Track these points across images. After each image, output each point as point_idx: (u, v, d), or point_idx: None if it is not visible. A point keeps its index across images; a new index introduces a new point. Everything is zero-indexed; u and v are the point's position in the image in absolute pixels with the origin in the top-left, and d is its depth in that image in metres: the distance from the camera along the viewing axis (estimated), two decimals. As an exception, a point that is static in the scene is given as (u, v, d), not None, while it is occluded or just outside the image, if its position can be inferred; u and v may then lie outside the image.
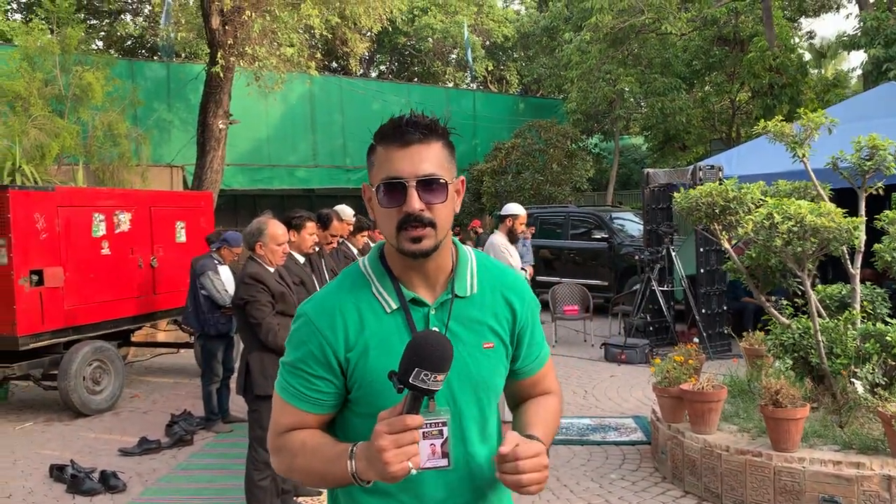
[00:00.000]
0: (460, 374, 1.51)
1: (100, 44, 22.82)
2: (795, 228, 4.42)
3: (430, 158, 1.47)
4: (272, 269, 4.37)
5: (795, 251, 4.53)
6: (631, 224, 13.43)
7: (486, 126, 19.98)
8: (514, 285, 1.64)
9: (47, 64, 11.25)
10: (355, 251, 6.72)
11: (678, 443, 5.02)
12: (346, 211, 6.40)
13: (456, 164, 1.55)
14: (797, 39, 19.25)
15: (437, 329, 1.47)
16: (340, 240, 6.49)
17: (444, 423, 1.42)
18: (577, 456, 5.67)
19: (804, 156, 5.01)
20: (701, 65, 17.76)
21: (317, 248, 5.18)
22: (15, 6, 22.31)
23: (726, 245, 5.22)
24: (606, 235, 13.08)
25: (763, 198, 5.01)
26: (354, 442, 1.43)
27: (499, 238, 6.33)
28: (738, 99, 18.10)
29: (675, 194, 5.38)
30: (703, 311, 9.18)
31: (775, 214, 4.49)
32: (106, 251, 7.81)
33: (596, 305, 12.48)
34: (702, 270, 9.18)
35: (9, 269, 6.78)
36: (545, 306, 11.88)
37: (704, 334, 9.01)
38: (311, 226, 4.82)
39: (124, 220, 8.05)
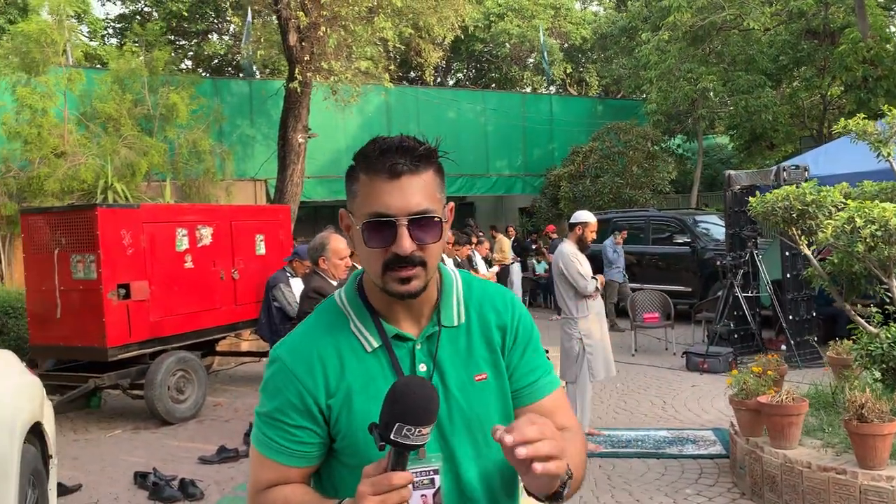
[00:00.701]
0: (451, 413, 1.38)
1: (188, 63, 23.83)
2: (879, 233, 4.17)
3: (421, 191, 1.31)
4: (335, 283, 4.43)
5: (881, 256, 4.27)
6: (716, 227, 13.00)
7: (563, 130, 19.77)
8: (502, 303, 1.49)
9: (136, 85, 11.79)
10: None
11: (757, 458, 4.80)
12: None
13: (445, 187, 1.40)
14: (893, 28, 18.21)
15: (420, 376, 1.34)
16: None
17: (434, 472, 1.31)
18: (652, 470, 5.50)
19: (889, 155, 4.72)
20: (788, 60, 17.04)
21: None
22: (111, 31, 23.55)
23: (806, 250, 4.98)
24: (689, 240, 12.72)
25: (844, 201, 4.75)
26: (342, 498, 1.29)
27: (568, 246, 6.22)
28: (829, 94, 17.26)
29: (751, 198, 5.17)
30: (791, 317, 8.79)
31: (857, 218, 4.25)
32: (189, 265, 8.10)
33: (680, 312, 12.15)
34: (788, 275, 8.79)
35: (98, 283, 7.12)
36: (624, 314, 11.65)
37: (792, 342, 8.62)
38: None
39: (206, 235, 8.33)
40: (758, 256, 9.37)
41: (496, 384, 1.45)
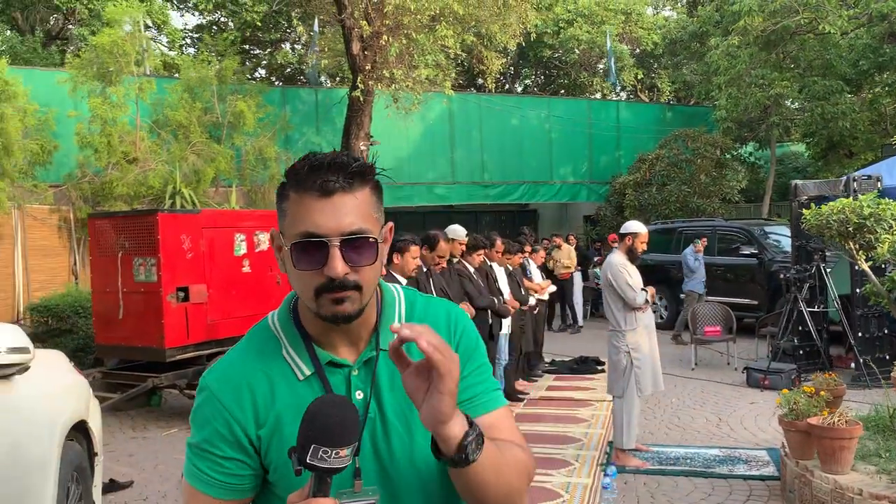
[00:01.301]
0: (390, 442, 1.30)
1: (262, 72, 24.48)
2: (938, 249, 3.94)
3: (356, 210, 1.24)
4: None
5: (941, 274, 4.03)
6: (786, 239, 12.51)
7: (630, 137, 19.44)
8: (446, 319, 1.40)
9: (206, 94, 12.17)
10: (471, 269, 6.73)
11: (806, 482, 4.59)
12: (458, 231, 6.43)
13: (383, 205, 1.33)
14: None
15: (337, 395, 1.26)
16: (455, 259, 6.53)
17: None
18: (699, 489, 5.33)
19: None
20: (869, 64, 16.30)
21: (424, 269, 5.23)
22: (189, 41, 24.42)
23: (864, 266, 4.75)
24: (756, 251, 12.31)
25: (905, 214, 4.51)
26: None
27: (617, 257, 6.10)
28: (913, 100, 16.47)
29: (805, 211, 4.96)
30: (860, 334, 8.39)
31: (915, 233, 4.03)
32: (246, 269, 8.30)
33: (746, 326, 11.78)
34: (857, 290, 8.40)
35: (158, 286, 7.37)
36: (684, 326, 11.35)
37: (861, 360, 8.22)
38: (414, 249, 4.88)
39: (263, 240, 8.51)
40: (825, 270, 8.99)
41: None
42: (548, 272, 13.11)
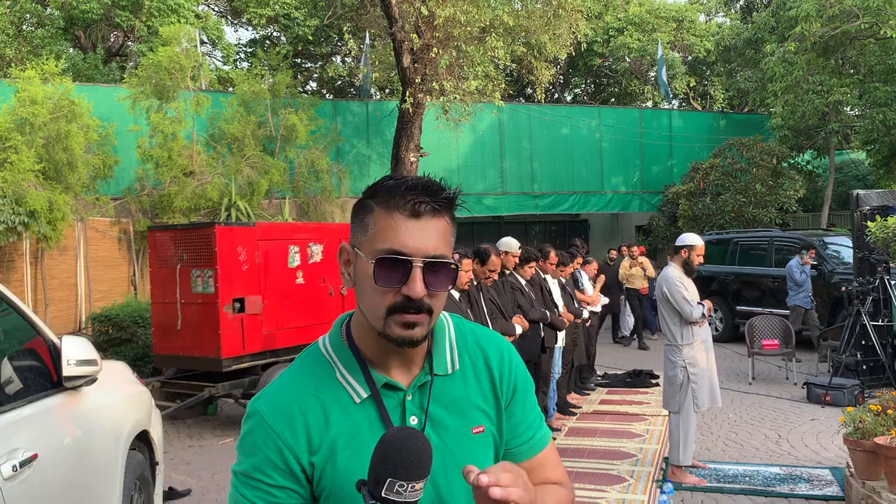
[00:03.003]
0: (447, 467, 1.28)
1: (313, 85, 24.85)
2: None
3: (440, 235, 1.26)
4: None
5: None
6: (846, 250, 12.18)
7: (682, 146, 19.16)
8: (497, 351, 1.41)
9: (260, 108, 12.41)
10: (523, 282, 6.70)
11: (873, 503, 4.45)
12: (511, 243, 6.40)
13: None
14: None
15: (410, 427, 1.24)
16: (507, 271, 6.51)
17: None
18: (759, 509, 5.20)
19: None
20: (933, 69, 15.82)
21: (475, 283, 5.22)
22: (243, 55, 24.94)
23: (933, 280, 4.58)
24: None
25: (977, 226, 4.34)
26: None
27: (673, 271, 5.99)
28: (981, 104, 15.89)
29: (870, 223, 4.81)
30: (927, 349, 8.10)
31: None
32: (300, 280, 8.41)
33: (804, 340, 11.47)
34: (924, 303, 8.11)
35: (215, 297, 7.52)
36: (741, 339, 11.10)
37: (928, 376, 7.94)
38: (466, 263, 4.87)
39: (317, 252, 8.63)
40: (889, 282, 8.70)
41: (492, 438, 1.37)
42: (618, 285, 12.92)
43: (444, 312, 1.42)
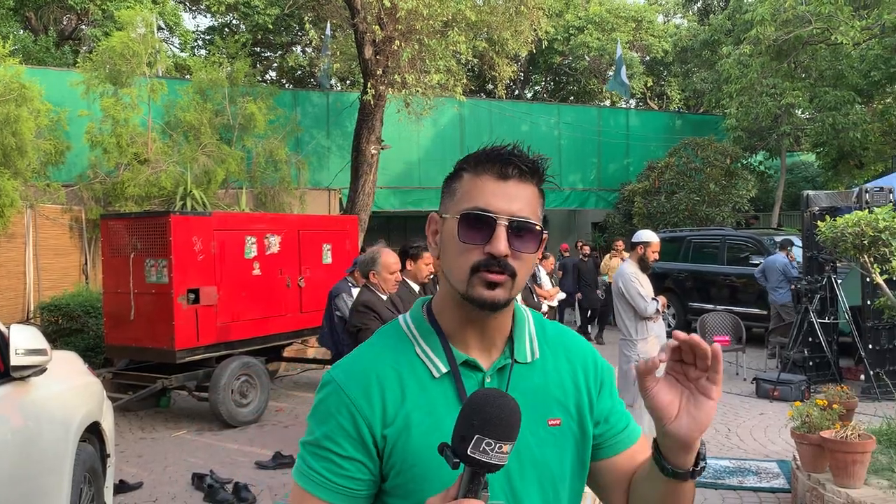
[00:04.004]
0: (521, 457, 1.24)
1: (273, 74, 24.54)
2: (955, 264, 3.93)
3: (526, 200, 1.25)
4: (385, 297, 4.46)
5: (957, 289, 4.02)
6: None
7: (639, 145, 19.42)
8: (578, 348, 1.39)
9: (217, 96, 12.21)
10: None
11: (818, 495, 4.58)
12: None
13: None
14: None
15: (497, 388, 1.21)
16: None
17: None
18: (709, 500, 5.31)
19: (971, 181, 4.44)
20: (880, 75, 16.27)
21: (431, 276, 5.23)
22: (201, 42, 24.51)
23: (878, 279, 4.73)
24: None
25: (921, 228, 4.49)
26: None
27: (628, 267, 6.09)
28: (925, 111, 16.43)
29: (820, 223, 4.95)
30: (871, 346, 8.36)
31: (931, 247, 4.02)
32: (257, 272, 8.31)
33: (755, 336, 11.75)
34: (868, 302, 8.37)
35: (169, 287, 7.40)
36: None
37: (871, 373, 8.20)
38: (427, 256, 4.87)
39: (274, 243, 8.54)
40: (836, 281, 8.96)
41: (570, 431, 1.32)
42: (595, 283, 13.05)
43: (524, 307, 1.40)
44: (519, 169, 1.25)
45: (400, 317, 1.37)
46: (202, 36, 24.50)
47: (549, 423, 1.29)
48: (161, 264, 7.49)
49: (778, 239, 13.05)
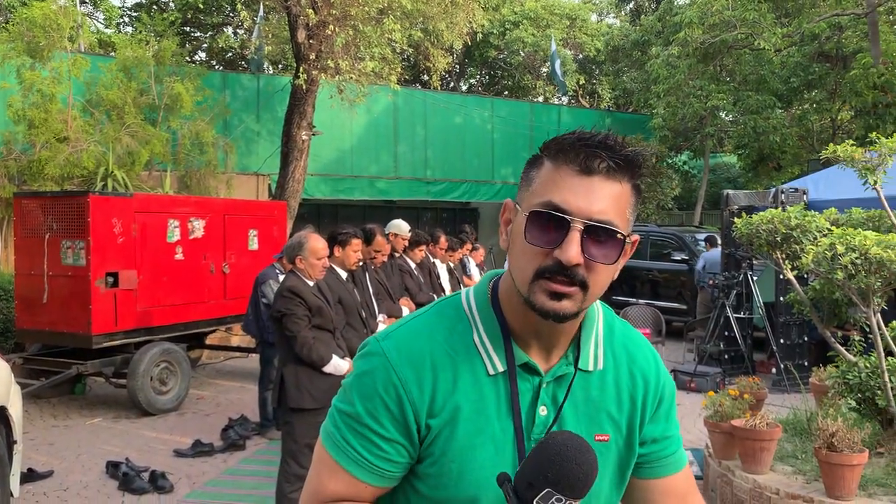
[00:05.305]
0: None
1: (203, 55, 23.92)
2: (859, 261, 4.13)
3: (612, 200, 1.09)
4: (311, 283, 4.41)
5: (860, 285, 4.22)
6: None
7: (571, 141, 19.71)
8: (644, 358, 1.28)
9: (143, 75, 11.81)
10: (412, 265, 6.73)
11: (728, 481, 4.76)
12: (400, 226, 6.42)
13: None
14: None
15: (581, 437, 1.08)
16: (397, 254, 6.52)
17: None
18: (625, 487, 5.45)
19: (876, 183, 4.68)
20: (799, 82, 16.99)
21: (361, 264, 5.20)
22: (127, 19, 23.70)
23: (789, 275, 4.94)
24: (686, 257, 12.66)
25: (829, 227, 4.70)
26: None
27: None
28: (838, 118, 17.21)
29: (736, 220, 5.13)
30: (782, 340, 8.72)
31: (838, 245, 4.21)
32: (179, 256, 8.11)
33: (675, 330, 12.09)
34: (781, 298, 8.73)
35: (86, 270, 7.14)
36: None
37: (781, 366, 8.55)
38: (356, 242, 4.85)
39: (198, 227, 8.34)
40: (752, 278, 9.31)
41: (616, 449, 1.24)
42: None
43: (597, 301, 1.24)
44: (608, 163, 1.09)
45: (462, 292, 1.26)
46: (128, 12, 23.72)
47: (597, 438, 1.21)
48: (78, 246, 7.22)
49: (699, 236, 13.49)
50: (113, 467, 5.62)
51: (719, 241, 11.47)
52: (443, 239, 7.61)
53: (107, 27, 22.26)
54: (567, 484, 0.99)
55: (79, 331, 7.19)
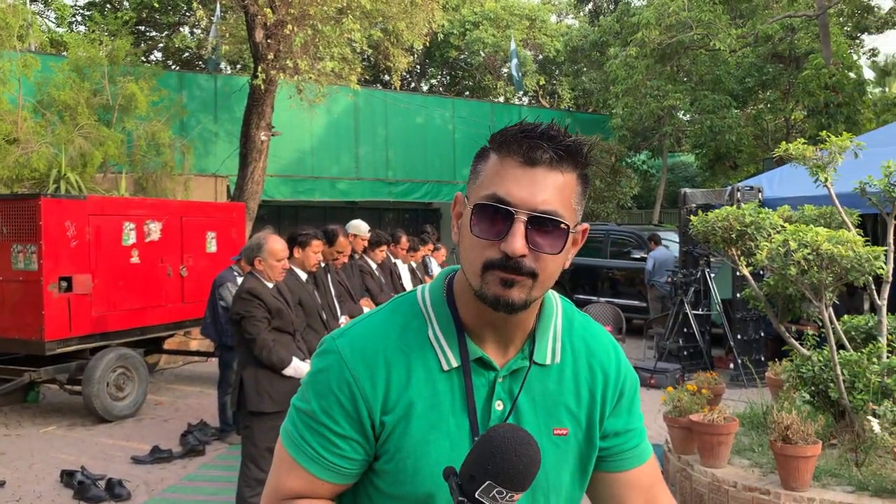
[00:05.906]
0: None
1: (158, 55, 23.52)
2: (811, 257, 4.21)
3: (556, 191, 1.09)
4: (270, 285, 4.36)
5: (812, 280, 4.31)
6: (674, 245, 13.12)
7: (531, 141, 19.82)
8: (604, 350, 1.27)
9: (96, 75, 11.58)
10: (373, 266, 6.69)
11: (687, 475, 4.83)
12: (360, 226, 6.38)
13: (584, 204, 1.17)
14: (857, 57, 18.59)
15: (523, 429, 1.07)
16: (357, 255, 6.48)
17: None
18: (587, 484, 5.49)
19: (826, 180, 4.79)
20: (754, 82, 17.33)
21: (322, 264, 5.16)
22: (80, 18, 23.19)
23: (744, 271, 5.02)
24: (646, 255, 12.81)
25: (783, 223, 4.80)
26: None
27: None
28: (792, 118, 17.60)
29: (692, 217, 5.20)
30: (739, 336, 8.88)
31: (791, 242, 4.29)
32: (135, 259, 7.96)
33: (635, 327, 12.24)
34: (738, 295, 8.88)
35: (38, 275, 6.97)
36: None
37: (739, 361, 8.70)
38: (316, 244, 4.80)
39: (154, 230, 8.20)
40: (710, 275, 9.46)
41: (575, 442, 1.24)
42: None
43: (555, 294, 1.26)
44: (551, 153, 1.09)
45: (419, 288, 1.26)
46: (81, 11, 23.21)
47: (555, 432, 1.21)
48: (30, 250, 7.04)
49: (664, 235, 13.67)
50: (68, 476, 5.49)
51: (663, 240, 11.75)
52: (404, 239, 7.60)
53: (58, 26, 21.78)
54: (507, 476, 0.99)
55: (31, 337, 7.01)
